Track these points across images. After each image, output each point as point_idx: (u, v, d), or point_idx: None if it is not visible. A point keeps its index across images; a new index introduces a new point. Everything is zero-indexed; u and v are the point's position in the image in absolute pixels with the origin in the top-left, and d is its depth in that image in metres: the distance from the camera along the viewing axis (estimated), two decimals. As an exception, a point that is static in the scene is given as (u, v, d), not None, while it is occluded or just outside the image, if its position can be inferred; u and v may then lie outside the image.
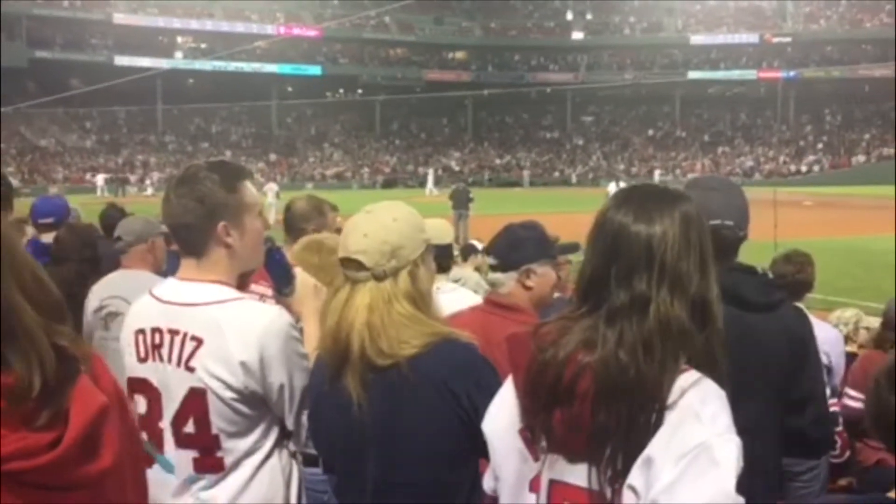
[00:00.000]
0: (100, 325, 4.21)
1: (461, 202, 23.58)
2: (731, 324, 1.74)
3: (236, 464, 2.29)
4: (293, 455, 2.43)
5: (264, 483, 2.32)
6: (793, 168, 61.34)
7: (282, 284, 2.58)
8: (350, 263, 2.15)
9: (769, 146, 65.46)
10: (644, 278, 1.58)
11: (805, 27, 67.93)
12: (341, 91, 71.19)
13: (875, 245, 19.43)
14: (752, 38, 67.83)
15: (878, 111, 65.21)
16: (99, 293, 4.26)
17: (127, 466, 1.35)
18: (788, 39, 67.42)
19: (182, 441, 2.29)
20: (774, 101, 66.34)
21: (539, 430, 1.64)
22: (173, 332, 2.28)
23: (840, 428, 4.55)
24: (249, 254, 2.39)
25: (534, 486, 1.67)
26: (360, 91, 68.09)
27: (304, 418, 2.33)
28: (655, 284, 1.58)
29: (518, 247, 3.16)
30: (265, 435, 2.33)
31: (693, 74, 68.02)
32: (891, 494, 1.71)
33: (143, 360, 2.34)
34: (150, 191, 46.75)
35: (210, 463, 2.28)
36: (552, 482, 1.63)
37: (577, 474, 1.57)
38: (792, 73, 65.10)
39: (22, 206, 6.76)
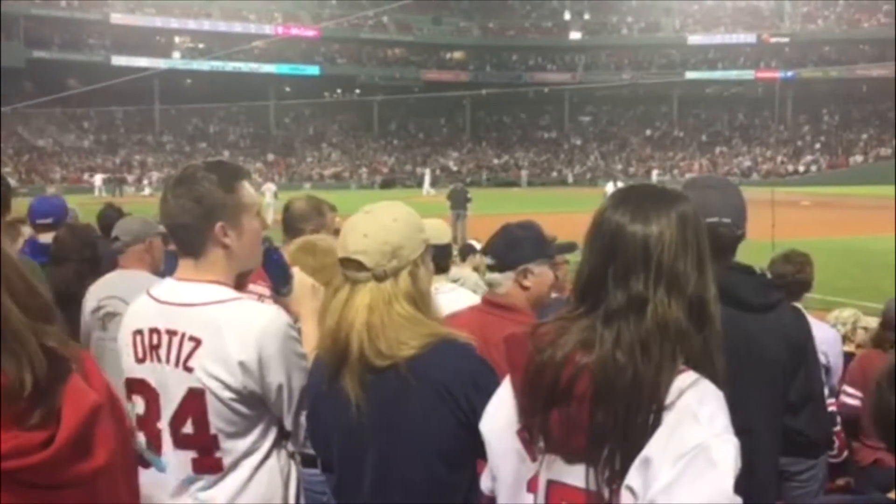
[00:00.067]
0: (97, 326, 4.20)
1: (459, 202, 23.57)
2: (729, 324, 1.74)
3: (235, 464, 2.29)
4: (292, 455, 2.43)
5: (263, 483, 2.31)
6: (790, 168, 61.38)
7: (280, 284, 2.57)
8: (350, 264, 2.15)
9: (767, 146, 65.48)
10: (641, 278, 1.58)
11: (803, 27, 68.01)
12: (339, 91, 71.17)
13: (873, 245, 19.46)
14: (750, 38, 67.91)
15: (875, 111, 65.29)
16: (96, 293, 4.25)
17: (119, 465, 1.35)
18: (786, 39, 67.50)
19: (180, 441, 2.28)
20: (772, 101, 66.25)
21: (537, 431, 1.64)
22: (171, 333, 2.27)
23: (838, 428, 4.56)
24: (247, 254, 2.38)
25: (531, 486, 1.67)
26: (357, 91, 68.07)
27: (303, 418, 2.33)
28: (652, 285, 1.58)
29: (515, 247, 3.16)
30: (264, 435, 2.33)
31: (691, 74, 68.07)
32: (891, 495, 1.71)
33: (140, 361, 2.33)
34: (147, 191, 46.73)
35: (209, 463, 2.28)
36: (550, 482, 1.63)
37: (575, 475, 1.57)
38: (789, 74, 65.10)
39: (19, 205, 6.76)
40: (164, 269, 4.21)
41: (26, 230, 5.56)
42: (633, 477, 1.49)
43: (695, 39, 69.10)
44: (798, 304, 3.97)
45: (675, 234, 1.61)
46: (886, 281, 11.53)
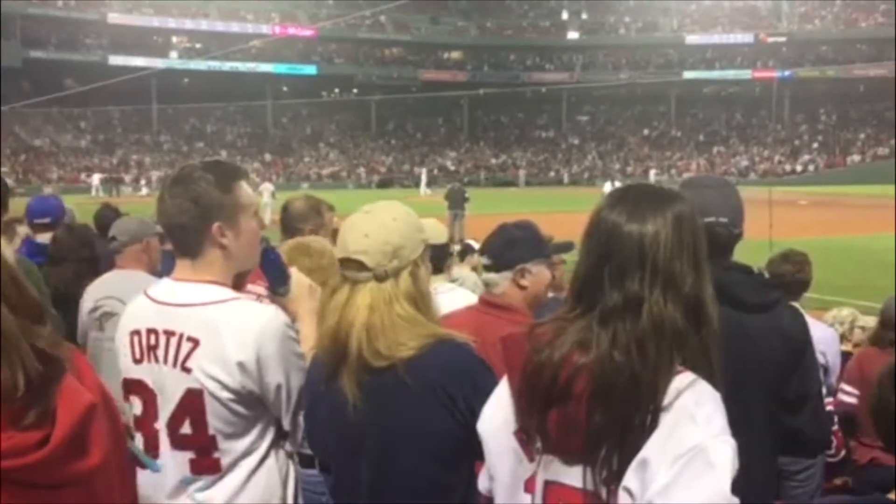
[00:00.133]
0: (94, 326, 4.20)
1: (457, 202, 23.55)
2: (727, 324, 1.74)
3: (233, 465, 2.29)
4: (290, 455, 2.43)
5: (261, 484, 2.31)
6: (788, 168, 61.43)
7: (277, 284, 2.57)
8: (350, 264, 2.14)
9: (764, 146, 65.57)
10: (636, 278, 1.58)
11: (800, 27, 68.09)
12: (337, 91, 71.16)
13: (870, 244, 19.50)
14: (748, 37, 68.00)
15: (872, 111, 65.37)
16: (93, 294, 4.25)
17: (114, 465, 1.35)
18: (783, 39, 67.57)
19: (178, 442, 2.28)
20: (769, 101, 66.43)
21: (534, 431, 1.63)
22: (169, 333, 2.27)
23: (836, 427, 4.56)
24: (245, 254, 2.38)
25: (529, 486, 1.67)
26: (355, 91, 68.10)
27: (301, 418, 2.33)
28: (648, 285, 1.57)
29: (512, 246, 3.15)
30: (262, 435, 2.32)
31: (688, 74, 68.15)
32: (891, 496, 1.71)
33: (138, 362, 2.33)
34: (144, 191, 46.69)
35: (207, 464, 2.28)
36: (547, 483, 1.63)
37: (573, 475, 1.57)
38: (787, 73, 65.23)
39: (16, 205, 6.75)
40: (162, 268, 4.20)
41: (22, 230, 5.56)
42: (630, 478, 1.48)
43: (692, 39, 69.18)
44: (796, 304, 3.97)
45: (671, 233, 1.61)
46: (883, 280, 11.55)
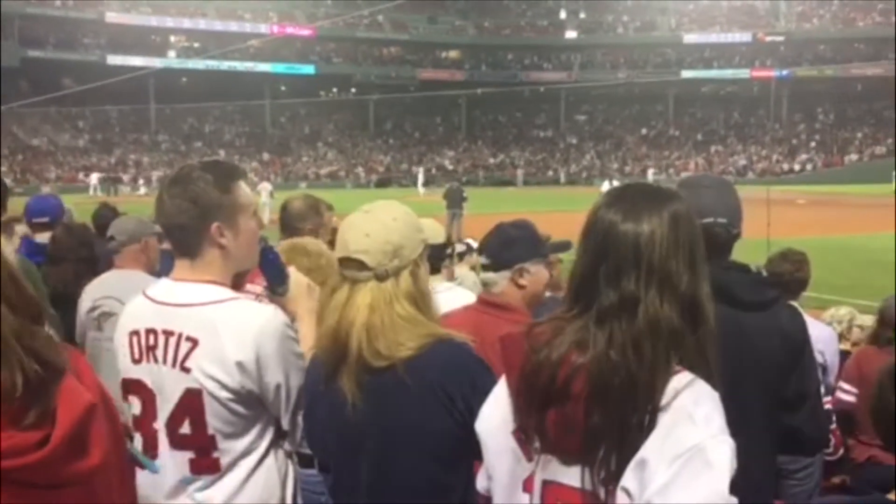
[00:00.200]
0: (93, 326, 4.20)
1: (455, 201, 23.51)
2: (725, 323, 1.74)
3: (232, 464, 2.29)
4: (289, 455, 2.43)
5: (260, 484, 2.31)
6: (786, 167, 61.46)
7: (276, 284, 2.57)
8: (350, 263, 2.14)
9: (762, 145, 65.59)
10: (632, 278, 1.58)
11: (798, 26, 68.11)
12: (335, 90, 71.12)
13: (868, 243, 19.51)
14: (745, 37, 68.02)
15: (870, 110, 65.41)
16: (92, 293, 4.24)
17: (114, 465, 1.36)
18: (781, 38, 67.59)
19: (177, 442, 2.28)
20: (767, 100, 66.45)
21: (532, 431, 1.63)
22: (168, 333, 2.27)
23: (834, 426, 4.56)
24: (244, 254, 2.38)
25: (527, 486, 1.67)
26: (353, 90, 68.10)
27: (300, 418, 2.33)
28: (644, 284, 1.57)
29: (510, 246, 3.15)
30: (261, 435, 2.32)
31: (686, 73, 68.15)
32: (891, 496, 1.71)
33: (137, 362, 2.33)
34: (143, 190, 46.65)
35: (206, 464, 2.28)
36: (546, 483, 1.63)
37: (571, 475, 1.57)
38: (785, 72, 65.27)
39: (15, 205, 6.74)
40: (160, 268, 4.20)
41: (21, 229, 5.55)
42: (628, 478, 1.48)
43: (690, 38, 69.20)
44: (794, 303, 3.97)
45: (667, 233, 1.61)
46: (881, 279, 11.56)
